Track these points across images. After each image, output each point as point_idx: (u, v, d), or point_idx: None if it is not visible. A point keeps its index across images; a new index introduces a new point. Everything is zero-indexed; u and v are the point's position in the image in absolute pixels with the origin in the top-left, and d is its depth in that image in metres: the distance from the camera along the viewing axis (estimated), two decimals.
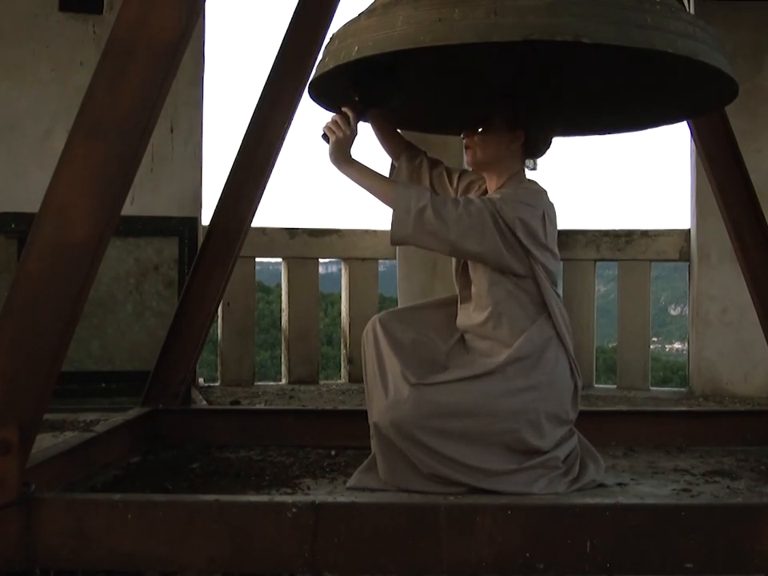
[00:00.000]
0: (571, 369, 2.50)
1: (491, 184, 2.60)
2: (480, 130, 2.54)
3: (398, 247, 5.63)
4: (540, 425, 2.42)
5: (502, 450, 2.40)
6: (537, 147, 2.59)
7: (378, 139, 2.81)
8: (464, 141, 2.60)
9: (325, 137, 2.47)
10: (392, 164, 2.81)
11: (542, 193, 2.53)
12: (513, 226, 2.39)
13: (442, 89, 2.86)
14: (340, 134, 2.44)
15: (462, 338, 2.61)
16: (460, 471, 2.37)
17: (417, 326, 2.58)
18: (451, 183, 2.73)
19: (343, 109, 2.46)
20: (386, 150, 2.82)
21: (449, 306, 2.67)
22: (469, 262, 2.53)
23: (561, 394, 2.47)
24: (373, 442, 2.47)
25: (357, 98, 2.48)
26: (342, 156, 2.47)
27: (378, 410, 2.43)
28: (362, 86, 2.46)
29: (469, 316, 2.56)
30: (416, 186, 2.53)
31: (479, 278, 2.51)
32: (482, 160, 2.56)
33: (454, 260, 2.62)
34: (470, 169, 2.69)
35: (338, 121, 2.45)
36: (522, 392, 2.41)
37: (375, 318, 2.61)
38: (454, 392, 2.41)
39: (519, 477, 2.39)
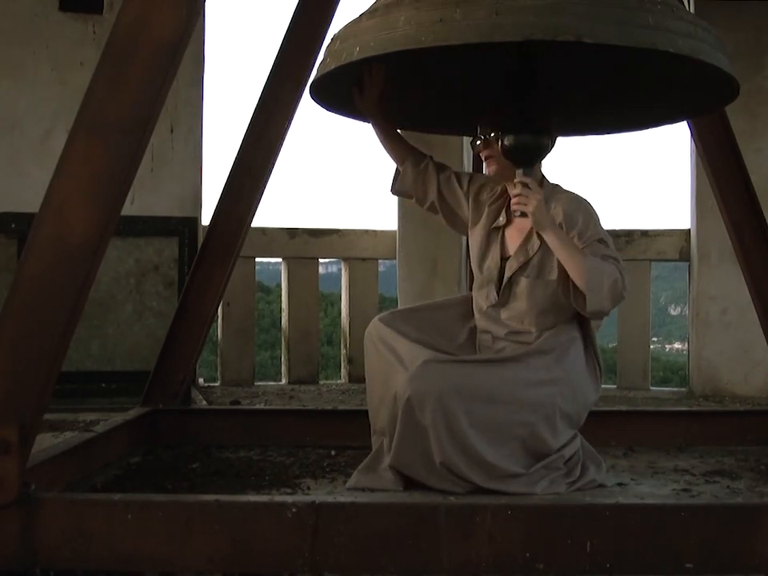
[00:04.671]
0: (593, 375, 2.53)
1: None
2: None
3: (397, 247, 5.64)
4: (555, 422, 2.42)
5: (517, 447, 2.40)
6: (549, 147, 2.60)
7: (382, 144, 2.77)
8: (482, 154, 2.61)
9: (522, 214, 2.44)
10: (396, 169, 2.79)
11: (586, 200, 2.56)
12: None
13: (444, 89, 2.85)
14: (534, 201, 2.40)
15: (469, 340, 2.62)
16: (471, 466, 2.35)
17: (419, 326, 2.58)
18: (461, 187, 2.72)
19: (517, 180, 2.44)
20: (390, 155, 2.79)
21: (450, 309, 2.69)
22: (528, 287, 2.53)
23: (577, 394, 2.48)
24: (393, 423, 2.43)
25: (518, 165, 2.47)
26: (546, 218, 2.43)
27: (401, 384, 2.39)
28: (518, 147, 2.47)
29: (496, 321, 2.57)
30: (604, 262, 2.44)
31: (532, 303, 2.53)
32: (507, 168, 2.54)
33: (490, 266, 2.61)
34: (485, 172, 2.70)
35: (522, 192, 2.41)
36: (542, 384, 2.42)
37: (375, 319, 2.61)
38: (475, 371, 2.42)
39: (523, 479, 2.39)
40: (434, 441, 2.35)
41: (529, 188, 2.41)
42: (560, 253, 2.44)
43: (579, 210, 2.50)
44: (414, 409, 2.35)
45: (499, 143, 2.52)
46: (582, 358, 2.52)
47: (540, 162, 2.60)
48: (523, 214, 2.44)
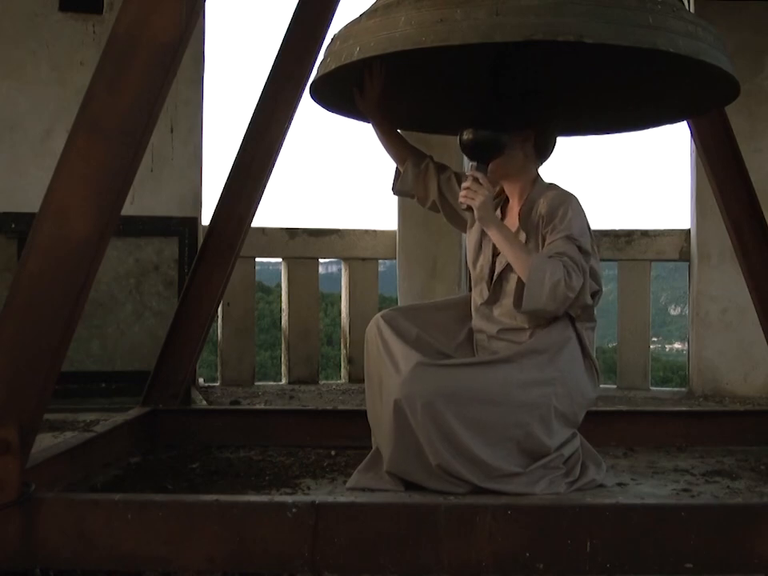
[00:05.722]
0: (590, 374, 2.52)
1: (514, 192, 2.58)
2: None
3: (397, 247, 5.64)
4: (550, 422, 2.42)
5: (513, 448, 2.39)
6: (547, 147, 2.60)
7: (382, 144, 2.77)
8: None
9: (468, 207, 2.45)
10: (397, 169, 2.79)
11: (575, 197, 2.53)
12: (595, 255, 2.47)
13: (444, 89, 2.85)
14: (481, 197, 2.42)
15: (468, 340, 2.62)
16: (467, 466, 2.35)
17: (420, 324, 2.58)
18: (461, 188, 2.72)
19: (470, 174, 2.45)
20: (390, 155, 2.79)
21: (451, 309, 2.69)
22: (516, 284, 2.50)
23: (573, 393, 2.47)
24: (386, 428, 2.42)
25: (473, 159, 2.47)
26: (490, 215, 2.45)
27: (393, 388, 2.39)
28: (477, 142, 2.46)
29: (489, 318, 2.58)
30: (550, 260, 2.43)
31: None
32: (501, 165, 2.53)
33: (482, 264, 2.62)
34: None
35: (471, 186, 2.43)
36: (536, 385, 2.41)
37: (378, 315, 2.61)
38: (467, 374, 2.40)
39: (522, 478, 2.38)
40: (426, 444, 2.35)
41: (479, 183, 2.42)
42: (505, 251, 2.46)
43: (561, 206, 2.48)
44: (406, 413, 2.35)
45: (458, 137, 2.51)
46: (579, 357, 2.50)
47: (538, 162, 2.59)
48: (469, 208, 2.45)
